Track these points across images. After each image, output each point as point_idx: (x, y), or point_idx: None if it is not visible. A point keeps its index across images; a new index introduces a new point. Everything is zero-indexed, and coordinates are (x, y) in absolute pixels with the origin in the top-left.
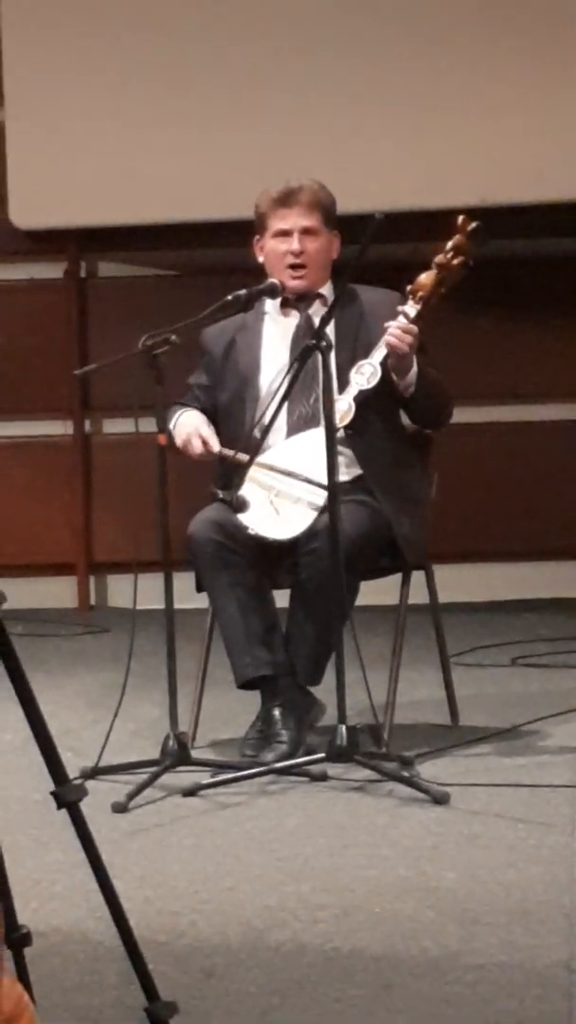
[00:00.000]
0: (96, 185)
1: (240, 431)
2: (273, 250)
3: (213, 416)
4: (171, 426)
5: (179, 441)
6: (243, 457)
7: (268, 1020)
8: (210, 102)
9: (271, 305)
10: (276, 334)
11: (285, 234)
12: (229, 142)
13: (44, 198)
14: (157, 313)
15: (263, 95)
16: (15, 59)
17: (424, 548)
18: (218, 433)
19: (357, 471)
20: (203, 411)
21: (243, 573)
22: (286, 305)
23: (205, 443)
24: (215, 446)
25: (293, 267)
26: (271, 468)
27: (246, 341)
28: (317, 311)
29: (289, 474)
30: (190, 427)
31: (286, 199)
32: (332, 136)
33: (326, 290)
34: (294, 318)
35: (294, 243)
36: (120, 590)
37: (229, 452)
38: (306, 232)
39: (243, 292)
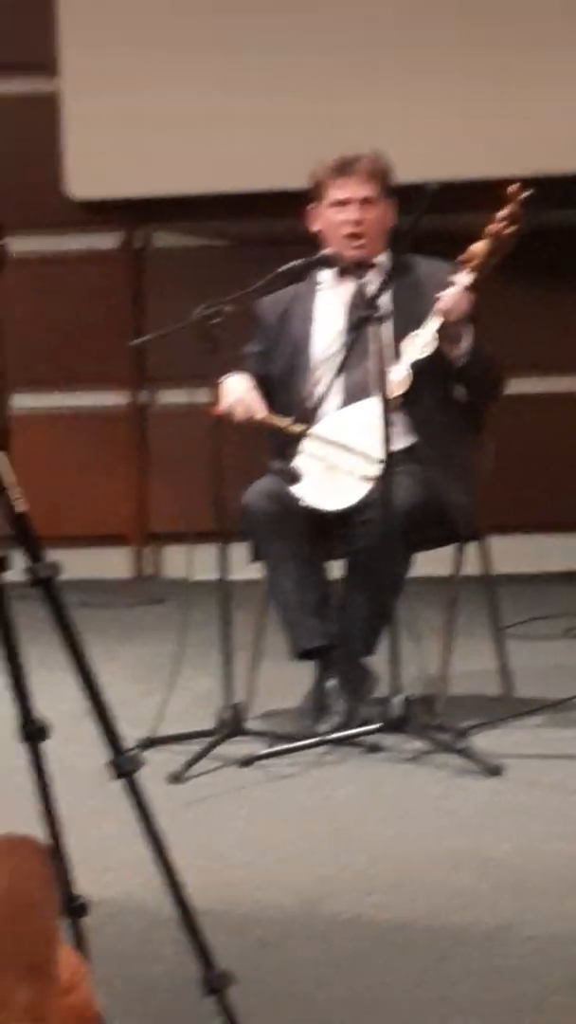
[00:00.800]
0: (152, 156)
1: (293, 400)
2: (330, 219)
3: (267, 384)
4: (220, 387)
5: (223, 405)
6: (297, 427)
7: (322, 990)
8: (266, 72)
9: (326, 275)
10: (331, 303)
11: (343, 204)
12: (285, 112)
13: (100, 169)
14: (212, 284)
15: (319, 65)
16: (71, 30)
17: (478, 519)
18: (271, 402)
19: (409, 440)
20: (258, 378)
21: (298, 544)
22: (342, 274)
23: (251, 409)
24: (258, 412)
25: (351, 236)
26: (324, 439)
27: (300, 310)
28: (372, 280)
29: (342, 446)
30: (235, 392)
31: (344, 168)
32: (387, 106)
33: (381, 259)
34: (349, 287)
35: (352, 213)
36: (175, 561)
37: (284, 421)
38: (364, 202)
39: (298, 262)
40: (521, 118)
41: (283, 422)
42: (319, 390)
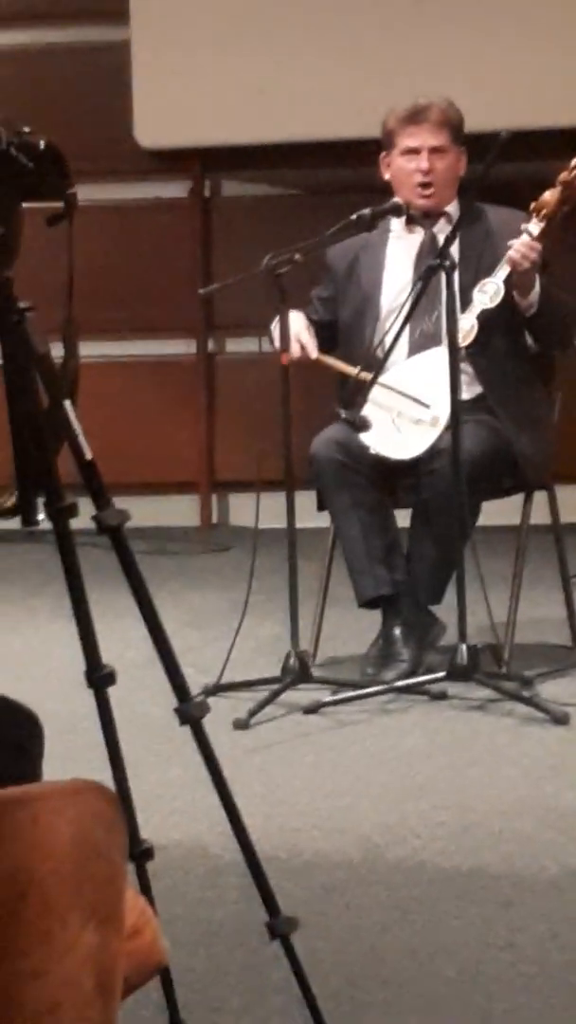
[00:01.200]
0: (220, 104)
1: (361, 348)
2: (401, 168)
3: (332, 329)
4: (272, 327)
5: (277, 342)
6: (363, 375)
7: (388, 936)
8: (336, 20)
9: (396, 223)
10: (400, 252)
11: (414, 152)
12: (354, 60)
13: (169, 117)
14: (281, 233)
15: (387, 13)
16: None
17: (546, 468)
18: (337, 347)
19: (478, 389)
20: (320, 323)
21: (365, 493)
22: (411, 223)
23: (304, 347)
24: (312, 352)
25: (422, 186)
26: (392, 389)
27: (370, 259)
28: (442, 229)
29: (410, 395)
30: (290, 331)
31: (415, 116)
32: (458, 53)
33: (452, 208)
34: (418, 235)
35: (423, 162)
36: (242, 508)
37: (345, 365)
38: (435, 151)
39: (367, 211)
40: None
41: (343, 365)
42: (388, 339)
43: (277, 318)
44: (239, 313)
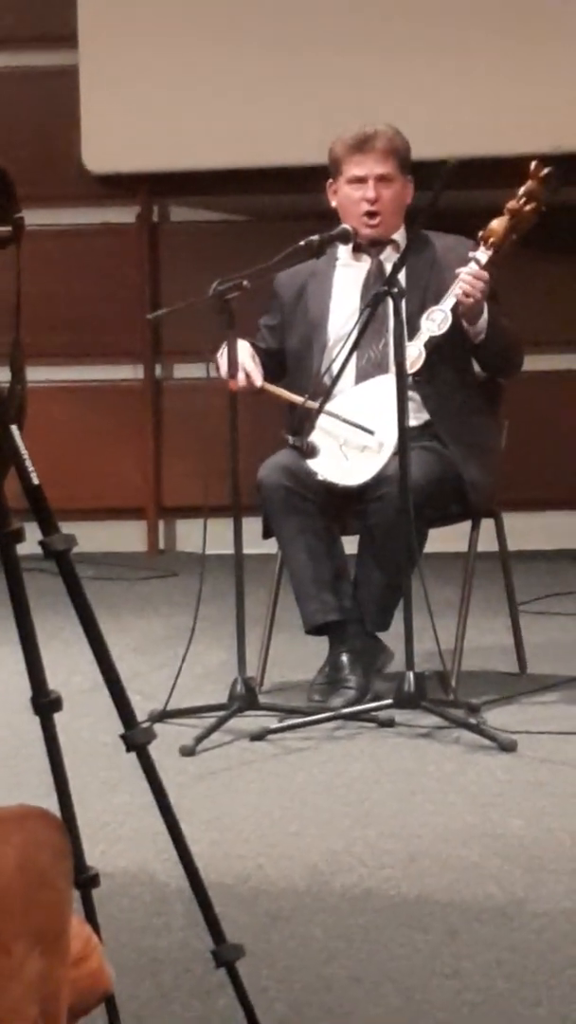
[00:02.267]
0: (169, 130)
1: (308, 376)
2: (347, 196)
3: (278, 357)
4: (218, 355)
5: (223, 373)
6: (310, 403)
7: (333, 964)
8: (283, 47)
9: (343, 251)
10: (347, 280)
11: (360, 180)
12: (302, 87)
13: (117, 142)
14: (229, 258)
15: (336, 39)
16: (89, 3)
17: (493, 495)
18: (286, 377)
19: (425, 416)
20: (268, 351)
21: (312, 519)
22: (358, 250)
23: (248, 376)
24: (257, 380)
25: (368, 215)
26: (339, 417)
27: (317, 287)
28: (389, 257)
29: (353, 424)
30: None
31: (362, 145)
32: (405, 81)
33: (399, 236)
34: (366, 264)
35: (369, 191)
36: (189, 534)
37: (289, 394)
38: (381, 179)
39: (315, 238)
40: (542, 94)
41: (287, 394)
42: (335, 366)
43: (224, 345)
44: (187, 339)
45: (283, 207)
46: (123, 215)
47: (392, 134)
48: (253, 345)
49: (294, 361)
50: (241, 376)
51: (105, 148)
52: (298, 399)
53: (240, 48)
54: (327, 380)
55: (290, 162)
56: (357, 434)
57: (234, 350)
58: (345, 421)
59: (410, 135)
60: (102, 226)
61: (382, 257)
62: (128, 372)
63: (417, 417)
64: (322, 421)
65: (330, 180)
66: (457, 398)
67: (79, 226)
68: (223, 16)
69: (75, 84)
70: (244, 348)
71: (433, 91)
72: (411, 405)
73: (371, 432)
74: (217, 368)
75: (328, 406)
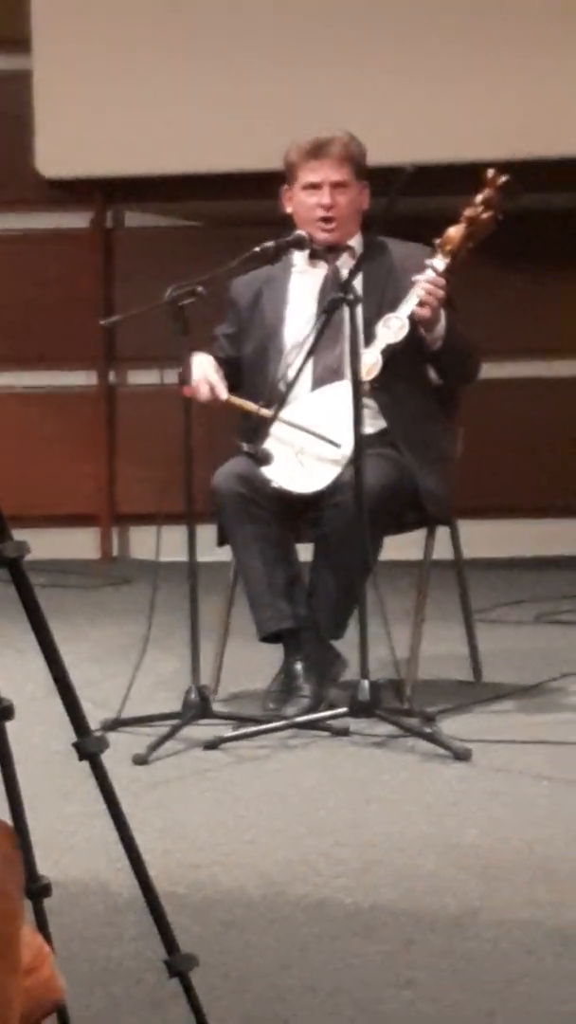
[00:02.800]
0: (123, 135)
1: (264, 383)
2: (302, 202)
3: (237, 365)
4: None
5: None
6: (264, 411)
7: (287, 974)
8: (238, 52)
9: (299, 257)
10: (303, 286)
11: (315, 187)
12: (257, 93)
13: (71, 147)
14: (183, 264)
15: (292, 45)
16: (43, 7)
17: (449, 503)
18: (242, 385)
19: (381, 424)
20: (227, 360)
21: (267, 526)
22: (314, 257)
23: (213, 389)
24: (222, 393)
25: (323, 220)
26: (294, 425)
27: (273, 293)
28: (345, 263)
29: (311, 433)
30: (199, 372)
31: (317, 151)
32: (362, 87)
33: (355, 242)
34: (322, 270)
35: (324, 197)
36: (143, 542)
37: (251, 404)
38: (336, 185)
39: (271, 244)
40: (498, 101)
41: (250, 405)
42: (290, 373)
43: (190, 357)
44: (141, 345)
45: (238, 213)
46: (77, 220)
47: (347, 140)
48: (220, 360)
49: (250, 367)
50: (205, 389)
51: (59, 153)
52: (266, 412)
53: (195, 54)
54: (283, 387)
55: (245, 168)
56: (312, 441)
57: (188, 357)
58: (311, 433)
59: (367, 141)
60: (56, 231)
61: (338, 263)
62: (82, 378)
63: (374, 424)
64: (277, 428)
65: (285, 187)
66: (413, 406)
67: (33, 231)
68: (178, 22)
69: (29, 89)
70: (207, 361)
71: (389, 97)
72: (368, 412)
73: (338, 445)
74: (192, 393)
75: (285, 414)
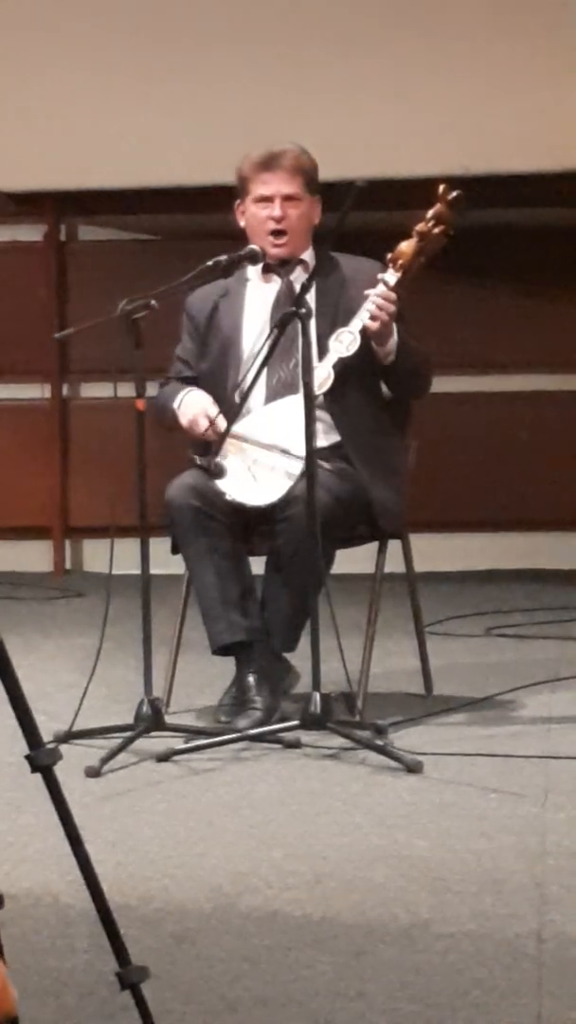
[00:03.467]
0: (76, 148)
1: (222, 395)
2: (254, 215)
3: (196, 381)
4: (175, 405)
5: (185, 420)
6: (220, 423)
7: (238, 986)
8: (192, 66)
9: (253, 271)
10: (258, 299)
11: (267, 200)
12: (211, 107)
13: (23, 160)
14: (137, 277)
15: (246, 59)
16: None
17: (401, 517)
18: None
19: (335, 437)
20: (192, 379)
21: (220, 539)
22: (268, 271)
23: (212, 423)
24: (221, 425)
25: (274, 234)
26: (247, 439)
27: (228, 306)
28: (299, 277)
29: (264, 446)
30: (198, 407)
31: (268, 164)
32: (314, 102)
33: (307, 256)
34: (275, 284)
35: (275, 209)
36: (96, 554)
37: (254, 441)
38: (288, 199)
39: (223, 258)
40: (450, 116)
41: (219, 423)
42: (243, 386)
43: (180, 396)
44: (94, 358)
45: (191, 227)
46: (30, 233)
47: (299, 153)
48: (185, 380)
49: (208, 378)
50: (204, 423)
51: (12, 166)
52: (221, 425)
53: (149, 67)
54: (237, 399)
55: (198, 182)
56: (264, 454)
57: (196, 399)
58: (265, 447)
59: (319, 156)
60: (9, 244)
61: (292, 277)
62: (35, 391)
63: (327, 438)
64: (231, 441)
65: (238, 201)
66: (366, 419)
67: None
68: (130, 36)
69: None
70: (203, 397)
71: (342, 112)
72: (322, 426)
73: (293, 455)
74: (175, 418)
75: (240, 427)
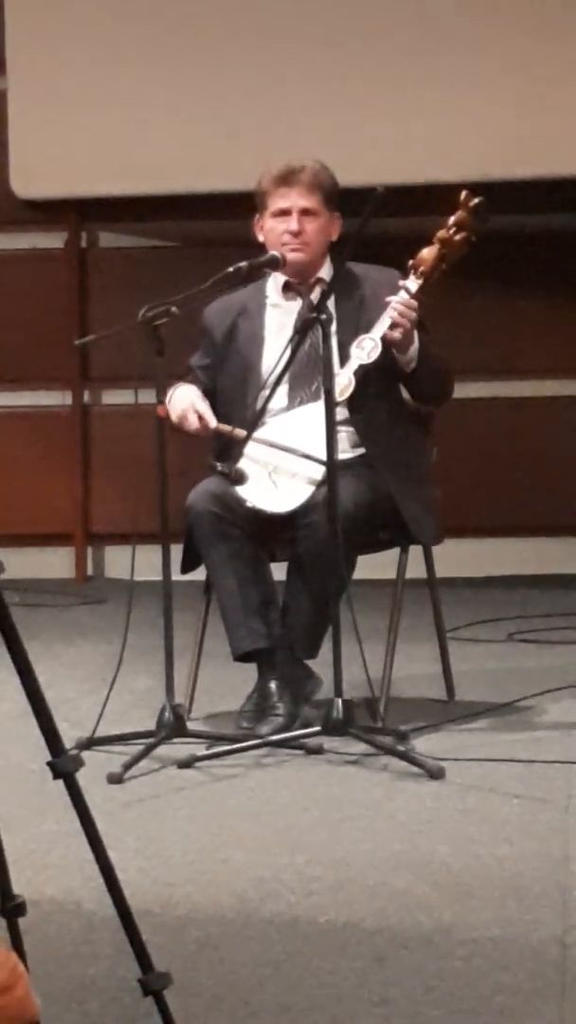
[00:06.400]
0: (97, 155)
1: (242, 415)
2: (272, 229)
3: (213, 396)
4: (166, 401)
5: (175, 416)
6: (240, 432)
7: (261, 992)
8: (213, 74)
9: (272, 289)
10: (278, 320)
11: (284, 213)
12: (231, 114)
13: (45, 167)
14: (157, 284)
15: (266, 67)
16: (18, 27)
17: (435, 526)
18: (219, 415)
19: (359, 450)
20: (205, 392)
21: (241, 545)
22: (288, 289)
23: (201, 418)
24: (211, 421)
25: (291, 242)
26: (269, 444)
27: (248, 326)
28: (318, 296)
29: (287, 449)
30: (185, 402)
31: (287, 178)
32: (335, 109)
33: (325, 273)
34: (296, 303)
35: (292, 223)
36: (117, 561)
37: (227, 428)
38: (305, 212)
39: (244, 264)
40: (469, 122)
41: (239, 432)
42: (264, 392)
43: (172, 390)
44: (115, 365)
45: (212, 233)
46: (51, 240)
47: (318, 168)
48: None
49: (228, 400)
50: (193, 418)
51: (33, 173)
52: (239, 431)
53: (170, 75)
54: (257, 406)
55: (219, 188)
56: (286, 461)
57: (162, 375)
58: (287, 450)
59: (339, 163)
60: (30, 251)
61: (312, 297)
62: (56, 398)
63: (352, 451)
64: (251, 447)
65: (257, 216)
66: (389, 427)
67: (7, 251)
68: (152, 43)
69: (3, 108)
70: (192, 391)
71: (363, 119)
72: (344, 436)
73: (316, 460)
74: (166, 413)
75: (261, 433)
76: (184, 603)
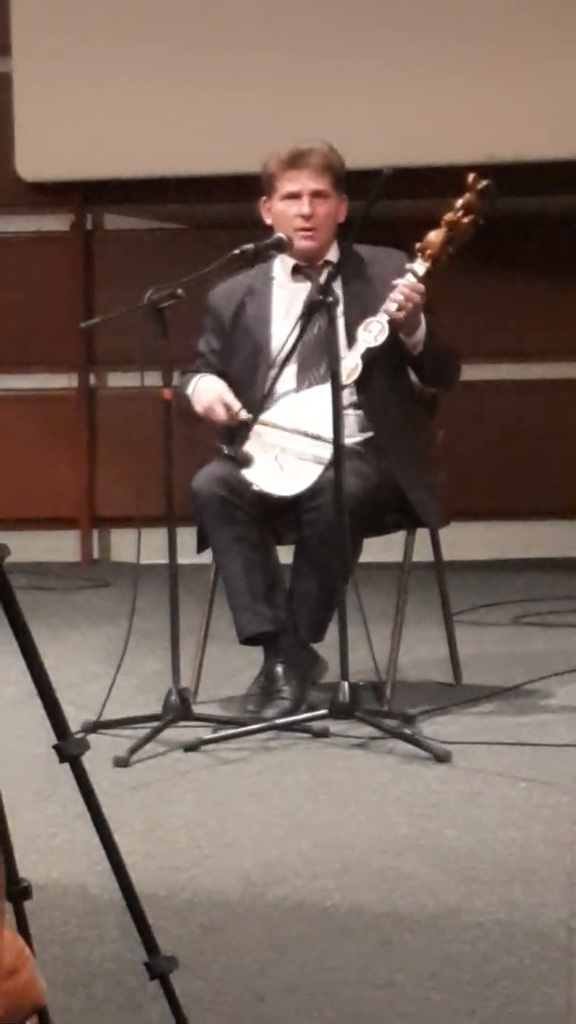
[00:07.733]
0: (103, 137)
1: (251, 398)
2: (282, 212)
3: (225, 379)
4: (189, 391)
5: (200, 408)
6: (246, 414)
7: (266, 975)
8: (219, 55)
9: (279, 270)
10: (286, 300)
11: (294, 196)
12: (237, 96)
13: (51, 150)
14: (163, 267)
15: (272, 48)
16: (23, 10)
17: (443, 510)
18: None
19: (367, 433)
20: (221, 376)
21: (247, 529)
22: (297, 272)
23: (229, 408)
24: (242, 413)
25: (303, 229)
26: (276, 426)
27: (256, 308)
28: (325, 279)
29: (294, 431)
30: (212, 393)
31: (296, 161)
32: (341, 90)
33: (332, 255)
34: (304, 285)
35: (304, 206)
36: (123, 544)
37: (249, 416)
38: (316, 195)
39: (250, 246)
40: (477, 104)
41: (245, 414)
42: (271, 375)
43: (193, 382)
44: (121, 347)
45: (218, 216)
46: (57, 223)
47: (327, 151)
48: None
49: (238, 382)
50: (221, 410)
51: (39, 156)
52: (244, 414)
53: (175, 56)
54: (265, 390)
55: (225, 170)
56: (292, 444)
57: (210, 384)
58: (295, 432)
59: (347, 144)
60: (36, 234)
61: (320, 279)
62: (62, 381)
63: (360, 433)
64: (258, 431)
65: (264, 198)
66: (396, 410)
67: (12, 234)
68: (157, 25)
69: (9, 91)
70: (217, 382)
71: (370, 100)
72: (352, 420)
73: (324, 440)
74: (190, 406)
75: (267, 415)
76: (190, 586)
